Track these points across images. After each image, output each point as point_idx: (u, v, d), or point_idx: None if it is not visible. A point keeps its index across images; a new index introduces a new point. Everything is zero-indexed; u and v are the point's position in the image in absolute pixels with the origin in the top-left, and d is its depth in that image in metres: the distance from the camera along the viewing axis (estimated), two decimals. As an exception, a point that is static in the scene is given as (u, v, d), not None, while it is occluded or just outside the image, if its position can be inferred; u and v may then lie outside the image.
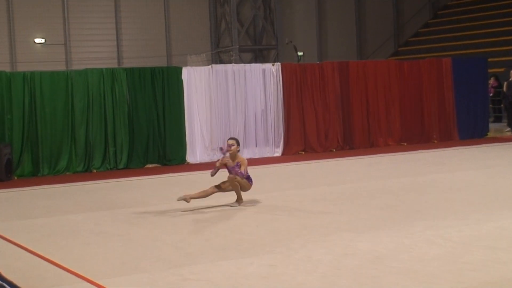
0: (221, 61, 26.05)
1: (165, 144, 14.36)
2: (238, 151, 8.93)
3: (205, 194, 8.76)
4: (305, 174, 12.32)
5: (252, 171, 13.01)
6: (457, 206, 8.28)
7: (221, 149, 9.01)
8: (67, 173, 13.51)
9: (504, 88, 19.36)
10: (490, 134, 17.90)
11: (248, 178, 8.81)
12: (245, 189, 8.81)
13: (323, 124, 16.04)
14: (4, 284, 4.33)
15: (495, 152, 14.64)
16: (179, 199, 8.61)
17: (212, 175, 8.87)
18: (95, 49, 25.19)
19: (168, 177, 12.62)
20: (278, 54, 26.90)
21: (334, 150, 16.05)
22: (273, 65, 15.78)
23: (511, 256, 5.83)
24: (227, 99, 15.02)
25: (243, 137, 15.13)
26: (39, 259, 6.41)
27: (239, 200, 8.80)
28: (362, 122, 16.49)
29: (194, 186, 11.12)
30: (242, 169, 8.67)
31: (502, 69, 21.65)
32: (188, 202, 8.63)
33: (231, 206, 8.71)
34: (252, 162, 14.44)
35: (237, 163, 8.74)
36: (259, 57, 27.80)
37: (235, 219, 8.03)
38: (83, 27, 25.13)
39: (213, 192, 8.78)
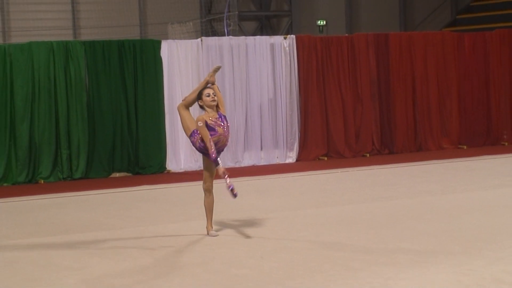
0: (214, 33, 26.06)
1: (138, 146, 14.42)
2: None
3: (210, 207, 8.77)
4: (328, 188, 12.35)
5: (256, 183, 13.14)
6: (535, 232, 8.31)
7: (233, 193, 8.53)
8: (4, 184, 13.58)
9: None
10: None
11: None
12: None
13: (353, 120, 16.09)
14: None
15: None
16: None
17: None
18: (43, 15, 25.23)
19: (141, 190, 12.66)
20: (292, 23, 26.89)
21: (368, 155, 16.10)
22: (285, 38, 15.83)
23: None
24: (222, 85, 15.06)
25: (243, 136, 15.20)
26: (-34, 301, 6.47)
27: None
28: (407, 116, 16.53)
29: (177, 204, 11.18)
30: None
31: None
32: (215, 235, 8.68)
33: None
34: (256, 170, 14.51)
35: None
36: (266, 27, 27.82)
37: (231, 248, 8.07)
38: (26, -14, 25.18)
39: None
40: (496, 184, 11.89)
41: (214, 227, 8.77)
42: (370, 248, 7.80)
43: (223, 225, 9.11)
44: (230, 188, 8.22)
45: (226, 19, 22.88)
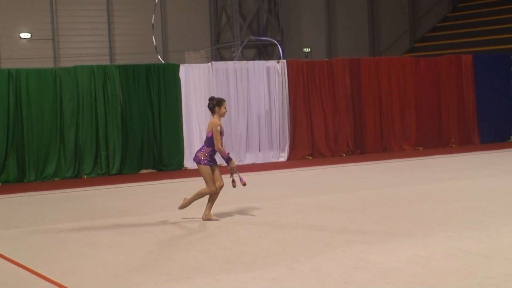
0: (221, 58, 26.08)
1: (161, 148, 14.42)
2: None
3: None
4: (312, 181, 12.36)
5: (255, 177, 13.14)
6: (477, 216, 8.30)
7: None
8: (55, 179, 13.57)
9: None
10: (514, 138, 17.94)
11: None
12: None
13: (332, 127, 16.09)
14: None
15: (519, 157, 14.65)
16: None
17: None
18: (85, 44, 25.26)
19: (164, 183, 12.66)
20: (283, 50, 26.90)
21: (344, 155, 16.10)
22: (278, 62, 15.84)
23: (535, 270, 5.86)
24: (228, 99, 15.05)
25: (245, 140, 15.21)
26: (24, 271, 6.46)
27: (187, 203, 8.74)
28: (375, 124, 16.54)
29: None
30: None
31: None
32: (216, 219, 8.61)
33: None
34: (255, 167, 14.52)
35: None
36: (263, 53, 27.84)
37: (235, 229, 8.07)
38: (72, 21, 25.19)
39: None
40: (445, 178, 11.90)
41: (221, 213, 8.76)
42: (346, 229, 7.80)
43: (229, 210, 9.11)
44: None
45: (241, 46, 22.95)
